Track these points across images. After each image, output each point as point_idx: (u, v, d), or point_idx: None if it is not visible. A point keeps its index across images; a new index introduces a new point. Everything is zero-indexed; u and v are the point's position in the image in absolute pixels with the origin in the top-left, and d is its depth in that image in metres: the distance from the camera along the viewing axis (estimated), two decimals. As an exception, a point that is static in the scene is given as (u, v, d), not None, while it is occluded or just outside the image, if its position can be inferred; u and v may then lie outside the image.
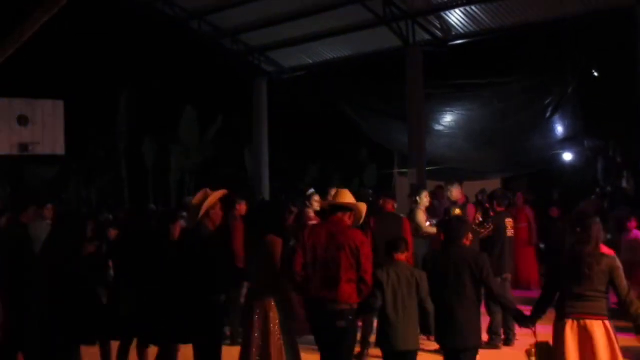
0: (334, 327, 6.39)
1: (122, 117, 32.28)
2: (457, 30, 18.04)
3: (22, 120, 15.37)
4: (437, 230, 10.10)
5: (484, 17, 17.36)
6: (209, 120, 32.93)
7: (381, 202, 9.69)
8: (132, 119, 32.26)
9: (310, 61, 21.48)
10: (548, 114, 18.27)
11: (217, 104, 32.05)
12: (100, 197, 32.56)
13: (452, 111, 19.59)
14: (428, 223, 10.78)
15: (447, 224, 6.89)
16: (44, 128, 15.75)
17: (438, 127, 19.81)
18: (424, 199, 10.97)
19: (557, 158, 19.70)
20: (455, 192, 11.84)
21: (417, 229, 10.56)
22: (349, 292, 6.41)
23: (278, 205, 7.08)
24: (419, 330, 6.71)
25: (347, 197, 6.77)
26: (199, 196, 6.82)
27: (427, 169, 18.39)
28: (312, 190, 10.08)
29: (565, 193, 18.51)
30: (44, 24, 10.10)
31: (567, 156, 19.66)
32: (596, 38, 18.75)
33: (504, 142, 18.95)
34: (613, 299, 6.02)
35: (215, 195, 6.76)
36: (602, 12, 16.17)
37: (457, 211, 9.86)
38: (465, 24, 17.73)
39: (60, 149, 16.28)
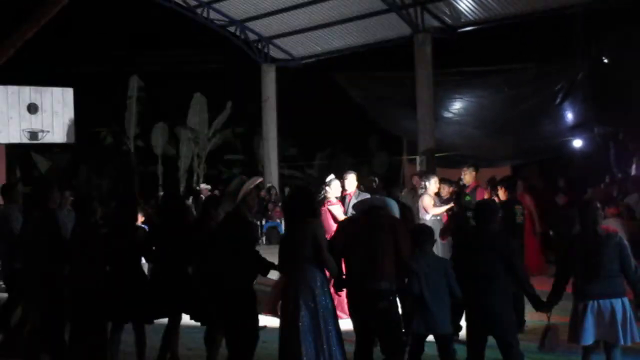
0: (375, 308, 6.38)
1: (131, 104, 32.32)
2: (467, 16, 17.99)
3: (32, 108, 15.43)
4: (448, 212, 10.23)
5: (493, 4, 17.31)
6: (218, 108, 32.94)
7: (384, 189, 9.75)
8: (142, 106, 32.30)
9: (320, 49, 21.47)
10: (558, 101, 18.20)
11: (226, 91, 32.05)
12: (110, 184, 32.62)
13: (461, 98, 19.54)
14: (437, 210, 10.79)
15: (479, 207, 6.95)
16: (54, 116, 15.83)
17: (447, 114, 19.76)
18: (433, 185, 10.97)
19: (567, 145, 19.63)
20: (468, 176, 11.82)
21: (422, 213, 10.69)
22: (388, 271, 6.41)
23: (310, 190, 7.09)
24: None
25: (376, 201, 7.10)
26: (235, 183, 7.00)
27: (436, 155, 18.38)
28: (332, 176, 10.15)
29: (573, 180, 18.44)
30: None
31: (577, 143, 19.58)
32: (606, 24, 18.66)
33: (513, 129, 18.90)
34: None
35: (252, 182, 6.92)
36: (612, -2, 16.13)
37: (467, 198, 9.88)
38: (475, 10, 17.67)
39: (70, 137, 16.34)
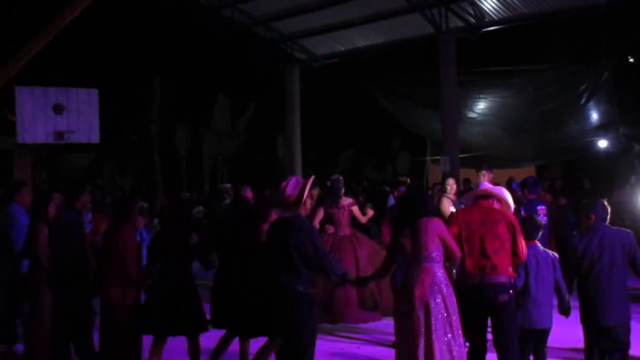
0: (494, 300, 6.36)
1: (155, 103, 32.51)
2: (491, 16, 17.89)
3: (58, 109, 15.53)
4: None
5: (517, 3, 17.20)
6: (241, 108, 33.04)
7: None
8: (165, 106, 32.48)
9: (343, 49, 21.44)
10: (583, 101, 18.11)
11: (249, 91, 32.15)
12: (134, 183, 32.83)
13: (485, 98, 19.48)
14: (454, 209, 10.72)
15: (594, 203, 6.98)
16: (79, 116, 15.90)
17: (471, 114, 19.71)
18: (448, 187, 10.95)
19: (592, 145, 19.51)
20: (486, 179, 11.77)
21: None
22: (507, 264, 6.43)
23: (424, 190, 7.07)
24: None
25: (486, 186, 7.04)
26: (291, 184, 6.75)
27: (460, 156, 18.31)
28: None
29: (598, 181, 18.32)
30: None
31: (602, 143, 19.45)
32: (632, 23, 18.51)
33: (537, 129, 18.82)
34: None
35: (309, 184, 6.76)
36: (638, -2, 15.97)
37: None
38: (499, 9, 17.58)
39: (95, 137, 16.42)
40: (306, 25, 20.44)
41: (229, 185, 14.25)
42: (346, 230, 11.14)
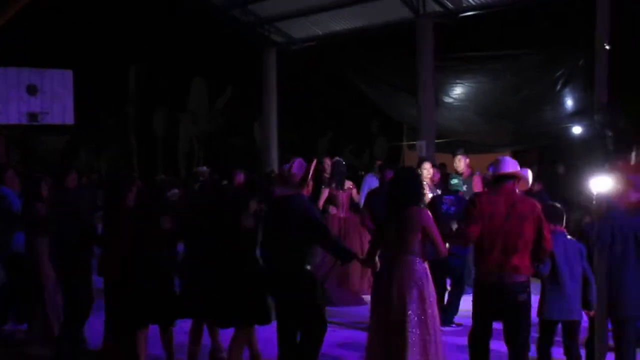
0: (513, 299, 6.18)
1: (131, 86, 32.27)
2: (468, 1, 17.89)
3: (31, 90, 15.39)
4: None
5: (495, -11, 17.21)
6: (218, 91, 32.90)
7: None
8: (142, 89, 32.26)
9: (320, 32, 21.34)
10: (559, 87, 18.15)
11: (227, 74, 31.99)
12: (109, 166, 32.63)
13: (462, 83, 19.47)
14: (430, 194, 10.73)
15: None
16: (53, 97, 15.78)
17: (448, 100, 19.70)
18: (424, 172, 10.97)
19: (567, 132, 19.59)
20: (461, 164, 11.81)
21: None
22: (527, 264, 6.21)
23: (417, 175, 6.80)
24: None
25: (511, 165, 6.42)
26: (296, 164, 6.76)
27: (437, 141, 18.33)
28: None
29: (572, 167, 18.42)
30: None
31: (577, 130, 19.54)
32: (609, 10, 18.53)
33: (514, 115, 18.85)
34: None
35: (313, 165, 6.81)
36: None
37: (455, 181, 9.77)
38: (477, -5, 17.59)
39: (69, 119, 16.32)
40: (283, 8, 20.32)
41: (204, 168, 14.15)
42: (347, 212, 11.35)
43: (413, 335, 6.03)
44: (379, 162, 14.75)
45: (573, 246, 6.64)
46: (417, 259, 6.20)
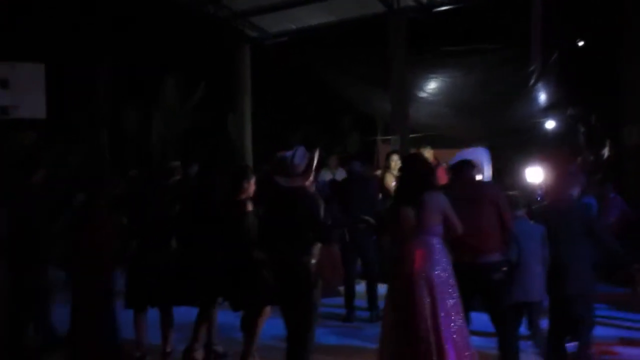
0: (488, 279, 6.40)
1: (103, 82, 31.95)
2: (443, -4, 17.93)
3: (2, 83, 15.15)
4: None
5: (469, -17, 17.25)
6: (191, 87, 32.69)
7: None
8: (114, 84, 31.96)
9: (294, 27, 21.27)
10: (531, 82, 18.25)
11: (200, 70, 31.77)
12: (81, 162, 32.29)
13: (436, 78, 19.52)
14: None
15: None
16: (24, 91, 15.54)
17: (422, 94, 19.75)
18: (392, 163, 11.18)
19: (540, 126, 19.71)
20: (427, 155, 12.10)
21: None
22: (498, 243, 6.49)
23: (428, 161, 6.94)
24: None
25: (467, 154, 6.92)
26: (299, 154, 6.78)
27: (411, 136, 18.36)
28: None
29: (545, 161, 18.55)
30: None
31: (550, 124, 19.68)
32: (581, 6, 18.68)
33: (487, 110, 18.94)
34: None
35: (315, 155, 6.79)
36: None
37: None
38: (451, -11, 17.62)
39: (40, 113, 16.08)
40: (257, 3, 20.22)
41: (178, 162, 14.08)
42: None
43: (445, 306, 6.00)
44: (333, 157, 14.94)
45: (535, 230, 6.90)
46: (437, 238, 6.20)
